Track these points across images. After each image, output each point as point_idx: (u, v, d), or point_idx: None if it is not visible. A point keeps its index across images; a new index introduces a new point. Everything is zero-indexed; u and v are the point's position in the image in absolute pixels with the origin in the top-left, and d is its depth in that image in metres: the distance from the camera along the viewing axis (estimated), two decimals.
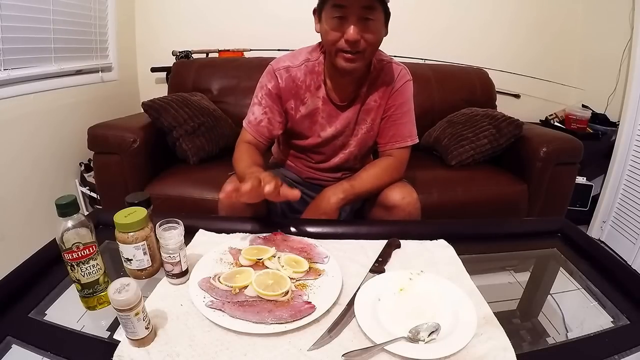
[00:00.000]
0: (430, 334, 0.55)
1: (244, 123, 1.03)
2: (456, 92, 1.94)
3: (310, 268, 0.69)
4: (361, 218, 1.12)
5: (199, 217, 0.96)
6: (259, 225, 0.85)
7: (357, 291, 0.64)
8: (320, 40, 0.95)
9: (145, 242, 0.65)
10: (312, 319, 0.57)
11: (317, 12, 0.90)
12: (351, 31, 0.82)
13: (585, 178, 1.93)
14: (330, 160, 1.11)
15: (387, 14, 0.89)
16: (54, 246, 0.61)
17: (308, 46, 1.02)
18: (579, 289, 0.77)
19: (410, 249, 0.80)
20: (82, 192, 1.80)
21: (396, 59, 1.06)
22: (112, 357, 0.51)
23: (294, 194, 0.78)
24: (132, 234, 0.63)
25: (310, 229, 0.85)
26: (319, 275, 0.68)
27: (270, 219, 0.93)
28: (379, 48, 1.00)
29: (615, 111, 1.99)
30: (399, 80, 1.01)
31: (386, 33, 0.92)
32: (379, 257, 0.75)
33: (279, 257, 0.71)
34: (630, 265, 1.68)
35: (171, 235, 0.62)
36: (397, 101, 1.02)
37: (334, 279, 0.67)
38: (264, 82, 1.00)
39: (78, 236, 0.58)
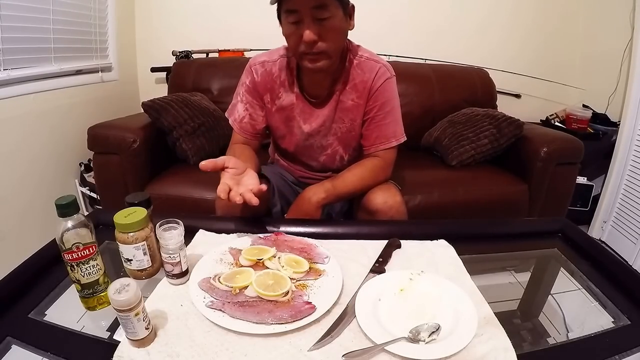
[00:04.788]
0: (431, 334, 0.54)
1: (230, 121, 1.05)
2: (457, 92, 1.94)
3: (310, 268, 0.69)
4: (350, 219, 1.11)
5: (199, 217, 0.96)
6: (259, 225, 0.84)
7: (357, 291, 0.64)
8: None
9: (145, 242, 0.65)
10: (312, 319, 0.57)
11: (278, 17, 0.91)
12: (306, 34, 0.82)
13: (586, 178, 1.93)
14: (316, 162, 1.10)
15: (345, 6, 0.85)
16: (53, 246, 0.61)
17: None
18: (579, 289, 0.77)
19: (411, 249, 0.80)
20: (82, 192, 1.80)
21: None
22: (112, 357, 0.51)
23: (255, 199, 0.72)
24: (132, 234, 0.63)
25: (310, 229, 0.85)
26: (320, 275, 0.68)
27: (270, 219, 0.93)
28: (359, 43, 1.00)
29: (616, 111, 1.99)
30: (377, 79, 0.97)
31: (352, 26, 0.90)
32: (379, 257, 0.75)
33: (279, 258, 0.70)
34: (631, 266, 1.68)
35: (171, 235, 0.62)
36: (378, 101, 0.98)
37: (334, 279, 0.67)
38: (243, 79, 1.02)
39: (78, 236, 0.58)
